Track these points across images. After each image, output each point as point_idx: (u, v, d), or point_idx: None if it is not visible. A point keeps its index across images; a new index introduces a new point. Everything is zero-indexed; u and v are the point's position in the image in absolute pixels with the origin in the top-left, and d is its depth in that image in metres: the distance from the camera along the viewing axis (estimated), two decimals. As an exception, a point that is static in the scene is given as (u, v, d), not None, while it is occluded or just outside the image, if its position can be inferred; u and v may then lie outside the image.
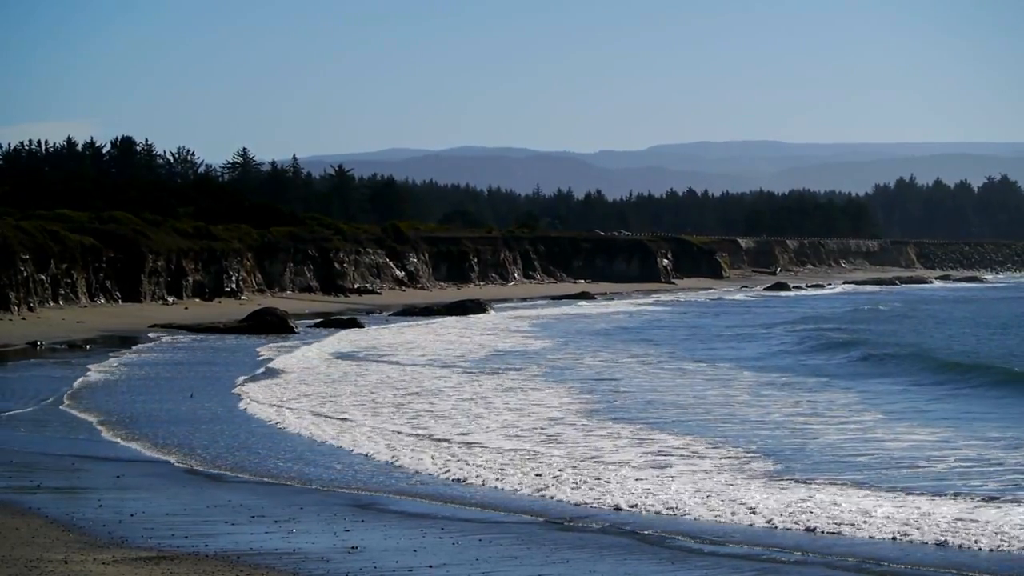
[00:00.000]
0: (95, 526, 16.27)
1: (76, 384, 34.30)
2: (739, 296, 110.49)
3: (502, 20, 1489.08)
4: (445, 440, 24.71)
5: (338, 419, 27.89)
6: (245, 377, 37.15)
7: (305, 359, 43.20)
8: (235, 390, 33.67)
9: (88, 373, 37.25)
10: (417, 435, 25.35)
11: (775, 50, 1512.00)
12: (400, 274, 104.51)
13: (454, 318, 70.56)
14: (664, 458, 22.28)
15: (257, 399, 31.61)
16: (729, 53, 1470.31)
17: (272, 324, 57.28)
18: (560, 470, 21.09)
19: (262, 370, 39.52)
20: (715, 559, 15.06)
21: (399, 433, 25.69)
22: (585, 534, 16.50)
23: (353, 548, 15.28)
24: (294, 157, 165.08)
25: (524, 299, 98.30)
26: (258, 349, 47.50)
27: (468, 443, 24.32)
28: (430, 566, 14.45)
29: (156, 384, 35.09)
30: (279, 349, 47.37)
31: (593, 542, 15.94)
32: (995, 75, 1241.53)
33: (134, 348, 47.24)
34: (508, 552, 15.25)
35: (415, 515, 17.63)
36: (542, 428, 26.28)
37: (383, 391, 33.48)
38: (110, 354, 44.08)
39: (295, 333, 56.11)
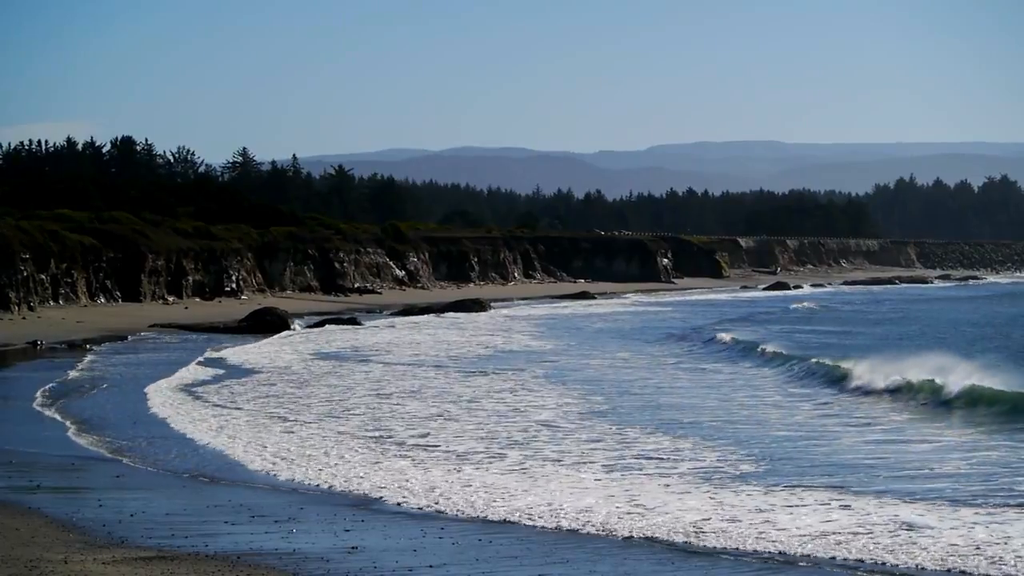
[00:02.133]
0: (95, 526, 16.28)
1: (52, 384, 34.13)
2: (724, 296, 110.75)
3: (502, 20, 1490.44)
4: (399, 443, 23.84)
5: (282, 420, 27.08)
6: (206, 377, 36.65)
7: (286, 358, 42.74)
8: (178, 394, 32.41)
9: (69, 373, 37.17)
10: (367, 438, 24.43)
11: (775, 50, 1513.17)
12: (400, 274, 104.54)
13: (454, 317, 70.58)
14: (638, 461, 21.60)
15: (209, 400, 30.95)
16: (729, 53, 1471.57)
17: (272, 324, 57.39)
18: (497, 478, 20.19)
19: (221, 370, 38.86)
20: (712, 559, 15.03)
21: (342, 433, 25.03)
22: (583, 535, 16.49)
23: (353, 548, 15.28)
24: (294, 157, 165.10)
25: (524, 299, 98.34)
26: (238, 347, 47.22)
27: (423, 446, 23.46)
28: (430, 566, 14.45)
29: (119, 384, 34.62)
30: (262, 347, 47.20)
31: (592, 542, 15.92)
32: (995, 75, 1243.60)
33: (96, 351, 45.72)
34: (508, 552, 15.24)
35: (415, 515, 17.62)
36: (523, 431, 25.37)
37: (358, 392, 32.66)
38: (85, 356, 43.63)
39: (294, 332, 56.15)
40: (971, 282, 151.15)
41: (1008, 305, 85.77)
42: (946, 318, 69.60)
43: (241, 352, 45.12)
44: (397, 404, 30.06)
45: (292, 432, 25.50)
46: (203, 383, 34.96)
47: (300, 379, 36.09)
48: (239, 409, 29.33)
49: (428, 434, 25.07)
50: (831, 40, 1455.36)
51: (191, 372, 37.92)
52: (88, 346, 47.42)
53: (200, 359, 42.10)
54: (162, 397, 31.35)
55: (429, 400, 30.88)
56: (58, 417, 28.05)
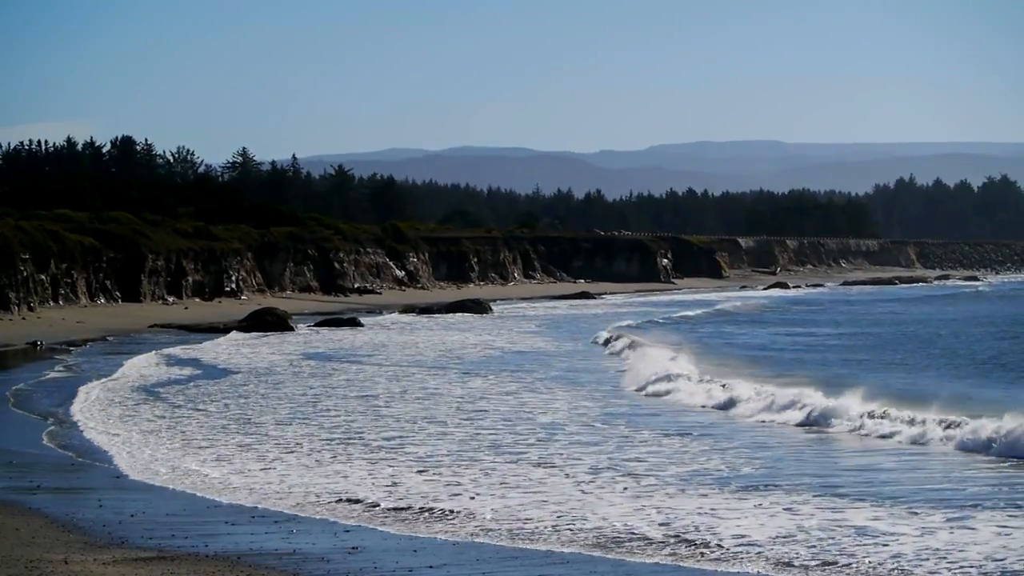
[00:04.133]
0: (95, 526, 16.29)
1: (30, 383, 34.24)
2: (716, 296, 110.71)
3: (502, 20, 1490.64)
4: (367, 445, 23.31)
5: (244, 422, 26.50)
6: (180, 376, 36.31)
7: (273, 358, 42.40)
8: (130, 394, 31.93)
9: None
10: (329, 441, 23.85)
11: (775, 50, 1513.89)
12: (400, 274, 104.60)
13: (453, 318, 70.54)
14: (630, 464, 21.05)
15: (171, 401, 30.60)
16: (729, 53, 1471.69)
17: (272, 324, 57.39)
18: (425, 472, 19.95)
19: (199, 370, 38.55)
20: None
21: (303, 436, 24.39)
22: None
23: (353, 548, 15.28)
24: (294, 157, 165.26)
25: (524, 299, 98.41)
26: (222, 346, 47.01)
27: (394, 448, 22.92)
28: (430, 566, 14.44)
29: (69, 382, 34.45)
30: (247, 347, 47.05)
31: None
32: (995, 75, 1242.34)
33: (76, 352, 45.50)
34: (508, 552, 15.23)
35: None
36: (516, 433, 24.82)
37: (339, 393, 32.09)
38: (68, 356, 43.55)
39: (294, 332, 56.18)
40: (947, 283, 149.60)
41: (967, 303, 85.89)
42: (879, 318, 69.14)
43: (224, 352, 44.89)
44: (380, 406, 29.44)
45: (247, 435, 24.90)
46: (169, 383, 34.49)
47: (277, 380, 35.66)
48: (198, 411, 28.87)
49: (398, 437, 24.40)
50: (831, 40, 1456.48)
51: (156, 371, 37.61)
52: (87, 346, 47.43)
53: (152, 354, 41.80)
54: (104, 396, 30.87)
55: (420, 402, 30.36)
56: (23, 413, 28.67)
